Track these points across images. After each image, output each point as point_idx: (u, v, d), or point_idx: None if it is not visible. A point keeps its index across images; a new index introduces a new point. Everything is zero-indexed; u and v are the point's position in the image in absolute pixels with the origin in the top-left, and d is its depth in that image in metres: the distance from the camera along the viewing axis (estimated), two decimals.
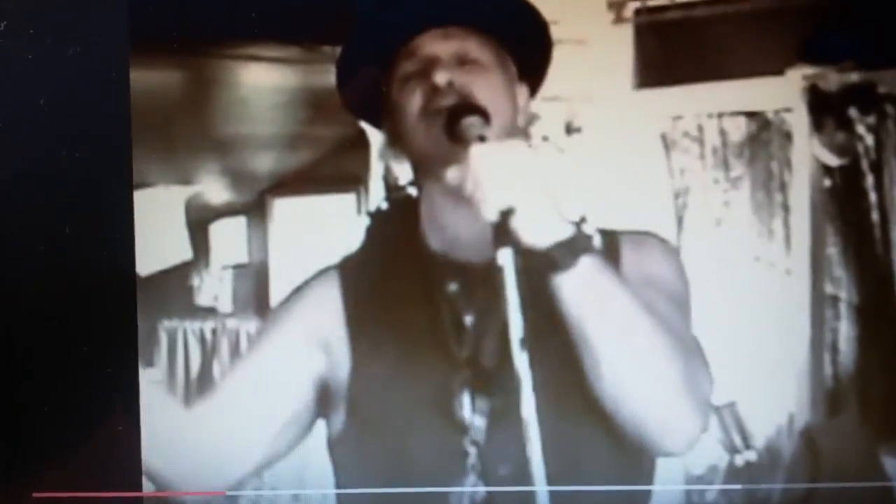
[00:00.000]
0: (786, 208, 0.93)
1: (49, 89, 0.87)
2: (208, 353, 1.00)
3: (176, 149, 0.97)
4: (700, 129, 0.94)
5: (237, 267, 1.00)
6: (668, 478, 0.92)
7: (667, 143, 0.94)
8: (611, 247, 0.88)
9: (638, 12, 0.93)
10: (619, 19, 0.93)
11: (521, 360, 0.76)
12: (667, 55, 0.93)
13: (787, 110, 0.93)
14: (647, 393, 0.80)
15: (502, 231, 0.76)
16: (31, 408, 0.89)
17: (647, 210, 0.94)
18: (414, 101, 0.85)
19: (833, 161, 0.93)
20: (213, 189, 0.98)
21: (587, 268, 0.78)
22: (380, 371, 0.88)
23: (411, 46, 0.85)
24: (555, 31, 0.91)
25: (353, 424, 0.90)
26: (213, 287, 1.00)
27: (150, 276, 0.96)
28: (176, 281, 0.99)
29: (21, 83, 0.87)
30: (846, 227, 0.93)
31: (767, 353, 0.92)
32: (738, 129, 0.93)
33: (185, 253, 0.99)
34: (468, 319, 0.85)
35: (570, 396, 0.82)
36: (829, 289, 0.93)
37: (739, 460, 0.94)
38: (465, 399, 0.85)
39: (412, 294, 0.88)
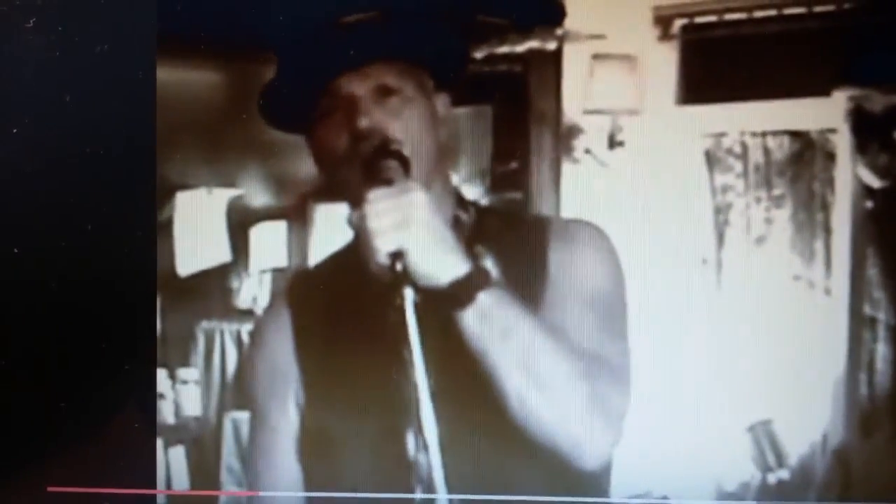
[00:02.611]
0: (827, 228, 0.93)
1: (75, 87, 0.87)
2: (245, 355, 1.01)
3: (218, 151, 0.97)
4: (744, 146, 0.94)
5: (276, 271, 1.00)
6: (698, 494, 0.92)
7: (710, 160, 0.94)
8: (539, 237, 0.88)
9: (685, 29, 0.93)
10: (665, 35, 0.93)
11: (424, 396, 0.78)
12: (712, 72, 0.93)
13: (831, 131, 0.92)
14: (554, 415, 0.82)
15: (395, 272, 0.77)
16: (48, 403, 0.89)
17: (688, 226, 0.94)
18: (339, 143, 0.86)
19: (875, 183, 0.92)
20: (255, 192, 0.99)
21: (486, 302, 0.80)
22: (329, 405, 0.90)
23: (332, 87, 0.86)
24: (601, 46, 0.92)
25: (304, 451, 0.91)
26: (252, 290, 1.01)
27: (190, 277, 0.97)
28: (215, 282, 1.00)
29: (48, 80, 0.87)
30: (887, 249, 0.93)
31: (804, 372, 0.92)
32: (781, 148, 0.93)
33: (224, 255, 0.99)
34: (407, 354, 0.86)
35: (482, 423, 0.84)
36: (867, 310, 0.93)
37: (772, 478, 0.94)
38: (410, 436, 0.86)
39: (359, 323, 0.89)
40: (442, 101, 0.90)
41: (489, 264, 0.85)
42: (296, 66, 0.89)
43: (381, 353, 0.85)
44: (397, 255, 0.78)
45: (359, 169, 0.83)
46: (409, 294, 0.78)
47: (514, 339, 0.81)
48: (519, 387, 0.81)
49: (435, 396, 0.78)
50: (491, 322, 0.80)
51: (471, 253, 0.82)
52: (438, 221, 0.80)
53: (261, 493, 0.91)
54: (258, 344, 0.95)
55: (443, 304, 0.80)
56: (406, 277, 0.78)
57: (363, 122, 0.84)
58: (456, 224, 0.89)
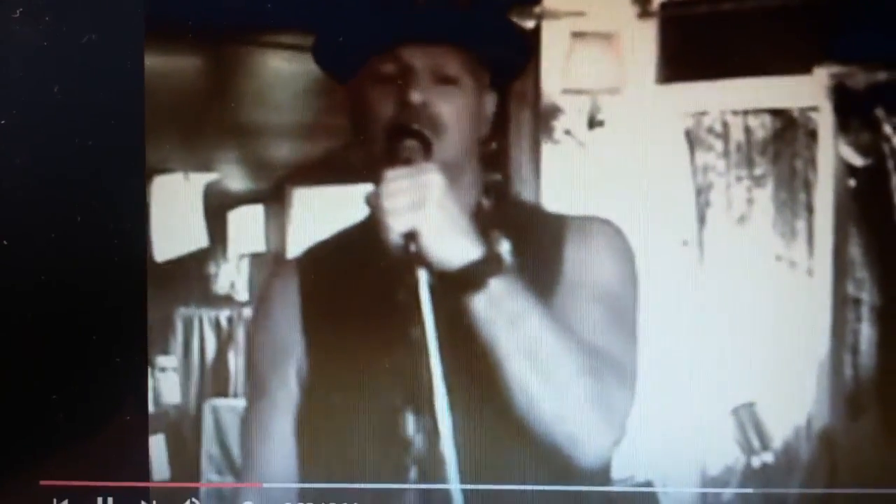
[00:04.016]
0: (809, 208, 0.92)
1: (63, 77, 0.87)
2: (224, 341, 1.00)
3: (195, 136, 0.97)
4: (725, 125, 0.93)
5: (254, 256, 0.99)
6: (682, 479, 0.92)
7: (691, 139, 0.93)
8: (558, 235, 0.88)
9: (664, 6, 0.92)
10: (644, 13, 0.92)
11: (437, 376, 0.78)
12: (692, 50, 0.92)
13: (813, 109, 0.92)
14: (554, 409, 0.82)
15: (409, 253, 0.77)
16: (40, 396, 0.89)
17: (669, 206, 0.93)
18: (382, 109, 0.86)
19: (858, 161, 0.92)
20: (232, 177, 0.98)
21: (497, 289, 0.80)
22: (331, 381, 0.89)
23: (395, 52, 0.86)
24: (580, 24, 0.91)
25: (303, 425, 0.91)
26: (230, 275, 1.00)
27: (167, 263, 0.96)
28: (192, 268, 0.99)
29: (35, 71, 0.87)
30: (870, 228, 0.92)
31: (787, 354, 0.91)
32: (762, 127, 0.93)
33: (201, 240, 0.99)
34: (415, 332, 0.85)
35: (489, 409, 0.84)
36: (851, 290, 0.92)
37: (756, 462, 0.93)
38: (409, 415, 0.86)
39: (367, 302, 0.88)
40: (490, 100, 0.89)
41: (504, 250, 0.85)
42: (363, 19, 0.88)
43: (391, 334, 0.84)
44: (411, 236, 0.78)
45: (380, 146, 0.83)
46: (423, 276, 0.78)
47: (521, 328, 0.80)
48: (522, 376, 0.81)
49: (445, 380, 0.78)
50: (500, 308, 0.80)
51: (486, 238, 0.82)
52: (455, 205, 0.80)
53: (264, 485, 0.91)
54: (263, 314, 0.95)
55: (454, 288, 0.79)
56: (420, 259, 0.78)
57: (416, 97, 0.84)
58: (477, 210, 0.88)
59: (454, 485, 0.79)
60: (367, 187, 0.85)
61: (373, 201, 0.81)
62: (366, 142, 0.88)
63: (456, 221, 0.80)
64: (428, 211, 0.79)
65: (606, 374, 0.84)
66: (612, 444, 0.86)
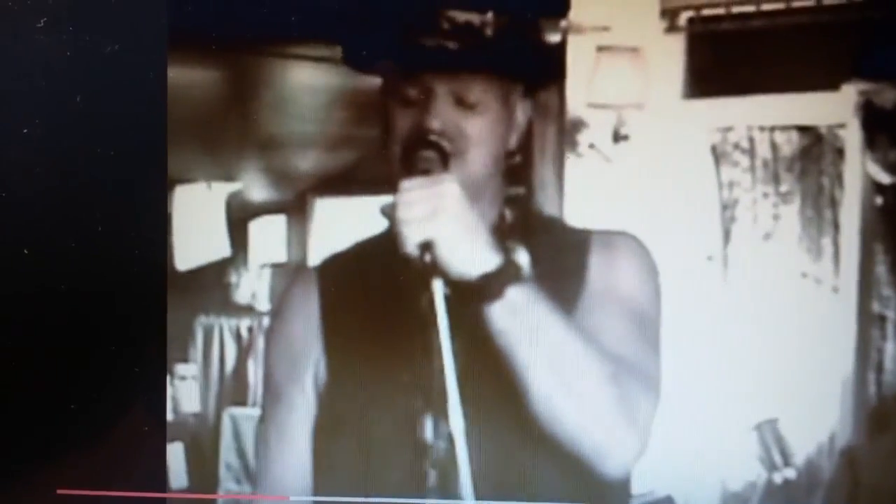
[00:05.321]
0: (835, 225, 0.92)
1: (86, 86, 0.87)
2: (244, 351, 1.00)
3: (218, 146, 0.97)
4: (751, 141, 0.93)
5: (275, 266, 0.99)
6: (703, 494, 0.91)
7: (717, 155, 0.93)
8: (581, 247, 0.88)
9: (691, 21, 0.92)
10: (671, 28, 0.92)
11: (451, 384, 0.77)
12: (719, 66, 0.92)
13: (841, 126, 0.91)
14: (578, 418, 0.81)
15: (425, 262, 0.77)
16: (57, 405, 0.89)
17: (694, 221, 0.93)
18: (403, 126, 0.86)
19: (885, 178, 0.91)
20: (255, 187, 0.98)
21: (515, 298, 0.79)
22: (351, 386, 0.89)
23: (421, 76, 0.86)
24: (606, 38, 0.91)
25: (322, 431, 0.91)
26: (251, 285, 1.00)
27: (189, 272, 0.96)
28: (214, 277, 0.99)
29: (59, 80, 0.87)
30: None
31: (811, 371, 0.91)
32: (789, 143, 0.92)
33: (223, 250, 0.99)
34: (430, 342, 0.85)
35: (506, 419, 0.83)
36: (876, 308, 0.92)
37: (778, 478, 0.93)
38: (428, 422, 0.85)
39: (387, 308, 0.88)
40: (523, 108, 0.89)
41: (522, 260, 0.84)
42: (388, 34, 0.88)
43: (407, 343, 0.84)
44: (426, 246, 0.77)
45: (398, 157, 0.83)
46: (438, 286, 0.78)
47: (542, 338, 0.80)
48: (544, 386, 0.80)
49: (461, 391, 0.78)
50: (519, 318, 0.79)
51: (503, 247, 0.82)
52: (471, 215, 0.79)
53: (292, 498, 0.91)
54: (282, 322, 0.95)
55: (472, 298, 0.79)
56: (435, 269, 0.78)
57: (434, 123, 0.84)
58: (500, 222, 0.88)
59: (468, 501, 0.79)
60: (386, 198, 0.85)
61: (389, 212, 0.80)
62: (385, 153, 0.88)
63: (472, 231, 0.80)
64: (443, 221, 0.78)
65: (629, 381, 0.84)
66: (637, 454, 0.86)
